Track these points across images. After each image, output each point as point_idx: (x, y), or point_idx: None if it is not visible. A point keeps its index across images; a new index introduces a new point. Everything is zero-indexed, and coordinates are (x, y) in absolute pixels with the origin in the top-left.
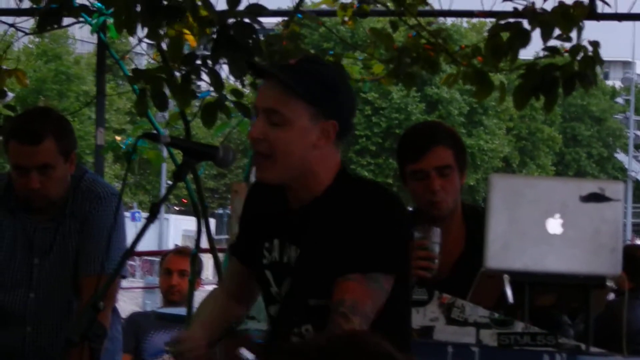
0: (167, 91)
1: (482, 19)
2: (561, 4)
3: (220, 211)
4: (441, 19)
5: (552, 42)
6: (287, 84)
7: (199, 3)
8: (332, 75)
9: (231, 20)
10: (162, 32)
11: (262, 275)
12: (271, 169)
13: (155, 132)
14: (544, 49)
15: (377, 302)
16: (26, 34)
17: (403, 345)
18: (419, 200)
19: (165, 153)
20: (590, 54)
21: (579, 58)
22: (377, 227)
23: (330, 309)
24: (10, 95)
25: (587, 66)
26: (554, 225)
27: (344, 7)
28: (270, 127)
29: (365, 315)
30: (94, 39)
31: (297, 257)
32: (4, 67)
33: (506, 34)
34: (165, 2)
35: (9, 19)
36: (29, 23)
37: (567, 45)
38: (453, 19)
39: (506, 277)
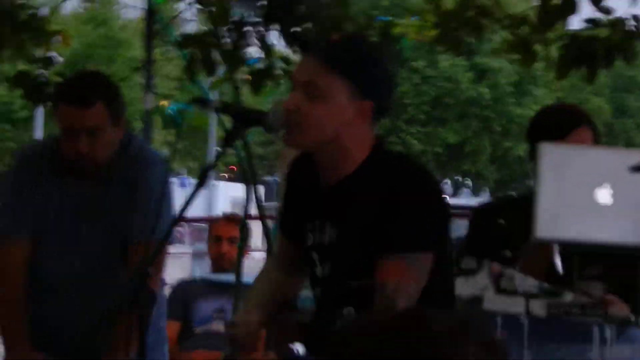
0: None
1: None
2: None
3: (269, 178)
4: None
5: (595, 14)
6: (327, 59)
7: None
8: (374, 55)
9: None
10: None
11: (308, 256)
12: (299, 137)
13: (204, 97)
14: (585, 21)
15: (419, 281)
16: None
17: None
18: None
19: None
20: (632, 27)
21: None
22: (415, 205)
23: (371, 290)
24: (59, 60)
25: (627, 40)
26: (604, 195)
27: None
28: (305, 100)
29: (409, 296)
30: (142, 4)
31: (337, 238)
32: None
33: (556, 1)
34: None
35: None
36: None
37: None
38: None
39: (555, 247)
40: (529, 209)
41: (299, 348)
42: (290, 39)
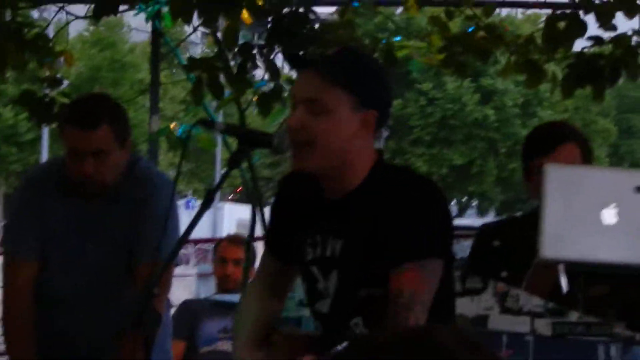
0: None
1: (537, 11)
2: None
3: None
4: (496, 10)
5: (597, 32)
6: (328, 73)
7: None
8: (372, 65)
9: (286, 10)
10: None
11: (308, 271)
12: (310, 158)
13: (210, 119)
14: (588, 39)
15: (433, 288)
16: (77, 17)
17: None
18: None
19: (219, 141)
20: (633, 43)
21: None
22: (423, 212)
23: (379, 299)
24: (65, 83)
25: (631, 55)
26: (609, 216)
27: None
28: (309, 117)
29: (424, 304)
30: (149, 27)
31: (342, 250)
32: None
33: (562, 24)
34: None
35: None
36: (82, 9)
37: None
38: (507, 10)
39: (561, 267)
40: (528, 229)
41: None
42: (294, 62)
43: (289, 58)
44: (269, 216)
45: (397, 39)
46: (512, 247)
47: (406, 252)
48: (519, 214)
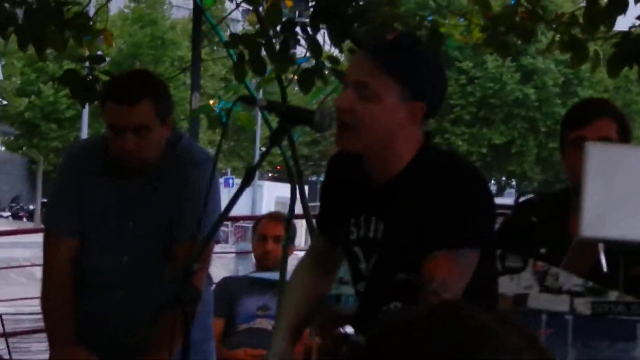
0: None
1: None
2: None
3: (314, 178)
4: None
5: None
6: (380, 60)
7: None
8: (427, 56)
9: None
10: None
11: (351, 251)
12: (353, 140)
13: (251, 96)
14: (638, 18)
15: (465, 277)
16: None
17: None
18: (574, 170)
19: (259, 119)
20: None
21: None
22: (463, 201)
23: (418, 285)
24: (106, 60)
25: None
26: None
27: None
28: (358, 99)
29: (455, 292)
30: (190, 4)
31: (384, 232)
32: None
33: (603, 1)
34: None
35: None
36: None
37: None
38: None
39: (601, 246)
40: (565, 205)
41: (348, 330)
42: (338, 39)
43: (346, 38)
44: (319, 196)
45: (429, 19)
46: (550, 224)
47: (441, 239)
48: (556, 189)
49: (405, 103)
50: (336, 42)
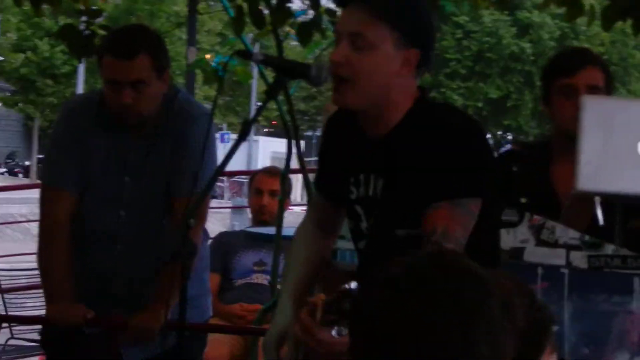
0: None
1: None
2: None
3: (310, 133)
4: None
5: None
6: (373, 7)
7: None
8: (418, 2)
9: None
10: None
11: (352, 210)
12: (350, 94)
13: (247, 50)
14: None
15: (467, 226)
16: None
17: (493, 266)
18: (562, 119)
19: (255, 73)
20: None
21: None
22: (461, 151)
23: (418, 240)
24: (102, 15)
25: None
26: None
27: None
28: (353, 51)
29: (457, 241)
30: None
31: (382, 189)
32: None
33: None
34: None
35: None
36: None
37: None
38: None
39: (597, 199)
40: (545, 155)
41: (353, 285)
42: None
43: None
44: (317, 156)
45: None
46: (530, 173)
47: (440, 190)
48: (536, 139)
49: (400, 50)
50: None
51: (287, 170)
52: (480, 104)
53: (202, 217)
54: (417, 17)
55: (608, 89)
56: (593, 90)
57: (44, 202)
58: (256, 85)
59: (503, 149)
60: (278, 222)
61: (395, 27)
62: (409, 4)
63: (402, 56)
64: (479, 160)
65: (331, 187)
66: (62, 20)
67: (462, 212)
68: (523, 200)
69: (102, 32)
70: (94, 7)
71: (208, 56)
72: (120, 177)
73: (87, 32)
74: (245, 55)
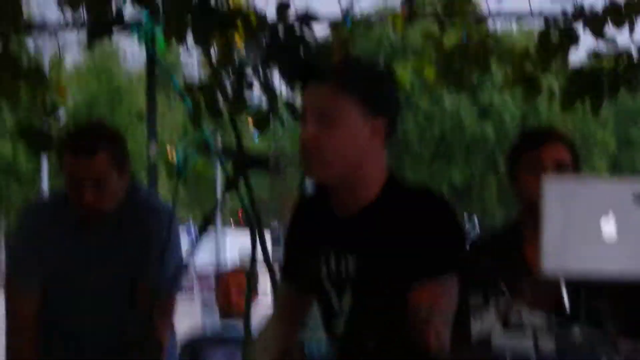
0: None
1: (533, 27)
2: (612, 3)
3: (276, 223)
4: (491, 25)
5: (595, 45)
6: (336, 81)
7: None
8: (378, 72)
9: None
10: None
11: (322, 289)
12: (322, 168)
13: (205, 142)
14: (589, 54)
15: (453, 303)
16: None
17: (465, 347)
18: (529, 193)
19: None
20: (634, 60)
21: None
22: (439, 229)
23: (395, 318)
24: (62, 112)
25: (630, 71)
26: (609, 227)
27: (394, 13)
28: (321, 129)
29: (445, 316)
30: (145, 54)
31: (356, 266)
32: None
33: (555, 35)
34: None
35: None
36: (77, 37)
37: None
38: (503, 26)
39: (562, 280)
40: (517, 237)
41: None
42: (290, 78)
43: (298, 70)
44: (283, 242)
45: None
46: (506, 258)
47: (423, 269)
48: (505, 223)
49: (368, 120)
50: (288, 79)
51: (252, 263)
52: (444, 188)
53: (169, 313)
54: (380, 86)
55: (575, 166)
56: (559, 165)
57: (9, 299)
58: (220, 177)
59: (473, 239)
60: (245, 317)
61: (361, 98)
62: (372, 74)
63: (370, 126)
64: (455, 237)
65: (299, 270)
66: (22, 117)
67: (446, 289)
68: (503, 287)
69: (59, 129)
70: (53, 106)
71: (168, 149)
72: (84, 272)
73: (44, 129)
74: (203, 148)
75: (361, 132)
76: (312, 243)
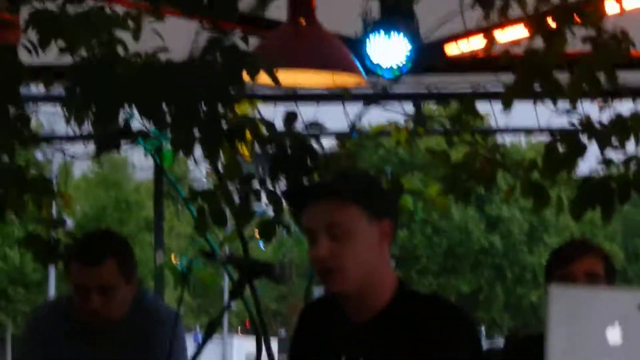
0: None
1: (541, 139)
2: (618, 117)
3: (283, 333)
4: (500, 139)
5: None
6: (339, 194)
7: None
8: (373, 178)
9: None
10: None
11: None
12: (341, 281)
13: (210, 251)
14: (599, 162)
15: None
16: (76, 157)
17: None
18: None
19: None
20: None
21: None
22: (451, 339)
23: None
24: (71, 223)
25: None
26: (614, 336)
27: (398, 129)
28: (332, 243)
29: None
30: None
31: None
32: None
33: (562, 147)
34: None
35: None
36: (85, 149)
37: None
38: (512, 139)
39: None
40: (535, 350)
41: None
42: (302, 196)
43: (296, 193)
44: (288, 351)
45: (389, 171)
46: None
47: None
48: (521, 334)
49: (374, 224)
50: (290, 202)
51: None
52: (453, 299)
53: None
54: (380, 190)
55: (609, 277)
56: (592, 277)
57: None
58: (227, 286)
59: (491, 347)
60: None
61: (366, 205)
62: (369, 180)
63: (377, 228)
64: (468, 348)
65: None
66: (30, 227)
67: None
68: None
69: (66, 239)
70: (61, 216)
71: (173, 257)
72: None
73: (52, 239)
74: (208, 256)
75: (370, 237)
76: (322, 350)
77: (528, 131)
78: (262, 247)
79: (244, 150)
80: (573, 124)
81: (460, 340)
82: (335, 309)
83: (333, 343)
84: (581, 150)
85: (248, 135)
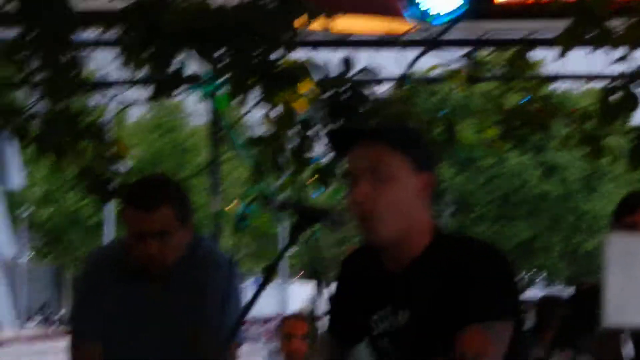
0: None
1: (594, 86)
2: None
3: None
4: (553, 86)
5: None
6: (385, 139)
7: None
8: (417, 130)
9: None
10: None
11: (378, 346)
12: (380, 229)
13: (267, 197)
14: None
15: (499, 350)
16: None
17: None
18: None
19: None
20: None
21: None
22: (488, 275)
23: None
24: (127, 164)
25: None
26: None
27: (452, 74)
28: (373, 187)
29: None
30: (208, 110)
31: (410, 320)
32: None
33: (616, 97)
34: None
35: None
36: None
37: None
38: (565, 85)
39: (626, 333)
40: (595, 299)
41: None
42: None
43: (343, 135)
44: (330, 299)
45: (443, 113)
46: (583, 317)
47: (471, 314)
48: (581, 285)
49: (418, 174)
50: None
51: (314, 312)
52: (508, 247)
53: None
54: (423, 143)
55: None
56: None
57: (72, 352)
58: (284, 231)
59: (549, 293)
60: None
61: (411, 154)
62: (414, 132)
63: (420, 179)
64: (506, 284)
65: (348, 328)
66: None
67: (494, 335)
68: (577, 343)
69: (122, 178)
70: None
71: (231, 206)
72: (143, 326)
73: (107, 175)
74: (265, 202)
75: (411, 187)
76: (362, 300)
77: (582, 78)
78: (316, 193)
79: (299, 101)
80: (625, 74)
81: (494, 278)
82: (375, 257)
83: (373, 292)
84: (634, 101)
85: (303, 83)
